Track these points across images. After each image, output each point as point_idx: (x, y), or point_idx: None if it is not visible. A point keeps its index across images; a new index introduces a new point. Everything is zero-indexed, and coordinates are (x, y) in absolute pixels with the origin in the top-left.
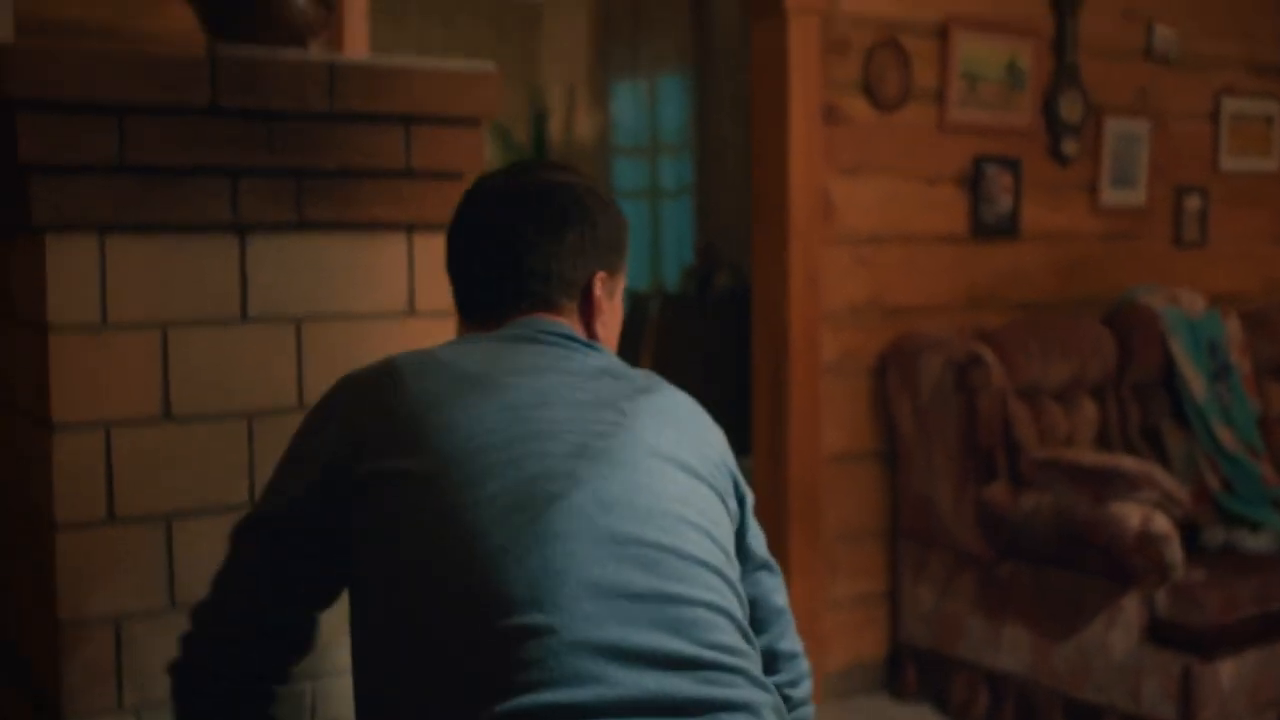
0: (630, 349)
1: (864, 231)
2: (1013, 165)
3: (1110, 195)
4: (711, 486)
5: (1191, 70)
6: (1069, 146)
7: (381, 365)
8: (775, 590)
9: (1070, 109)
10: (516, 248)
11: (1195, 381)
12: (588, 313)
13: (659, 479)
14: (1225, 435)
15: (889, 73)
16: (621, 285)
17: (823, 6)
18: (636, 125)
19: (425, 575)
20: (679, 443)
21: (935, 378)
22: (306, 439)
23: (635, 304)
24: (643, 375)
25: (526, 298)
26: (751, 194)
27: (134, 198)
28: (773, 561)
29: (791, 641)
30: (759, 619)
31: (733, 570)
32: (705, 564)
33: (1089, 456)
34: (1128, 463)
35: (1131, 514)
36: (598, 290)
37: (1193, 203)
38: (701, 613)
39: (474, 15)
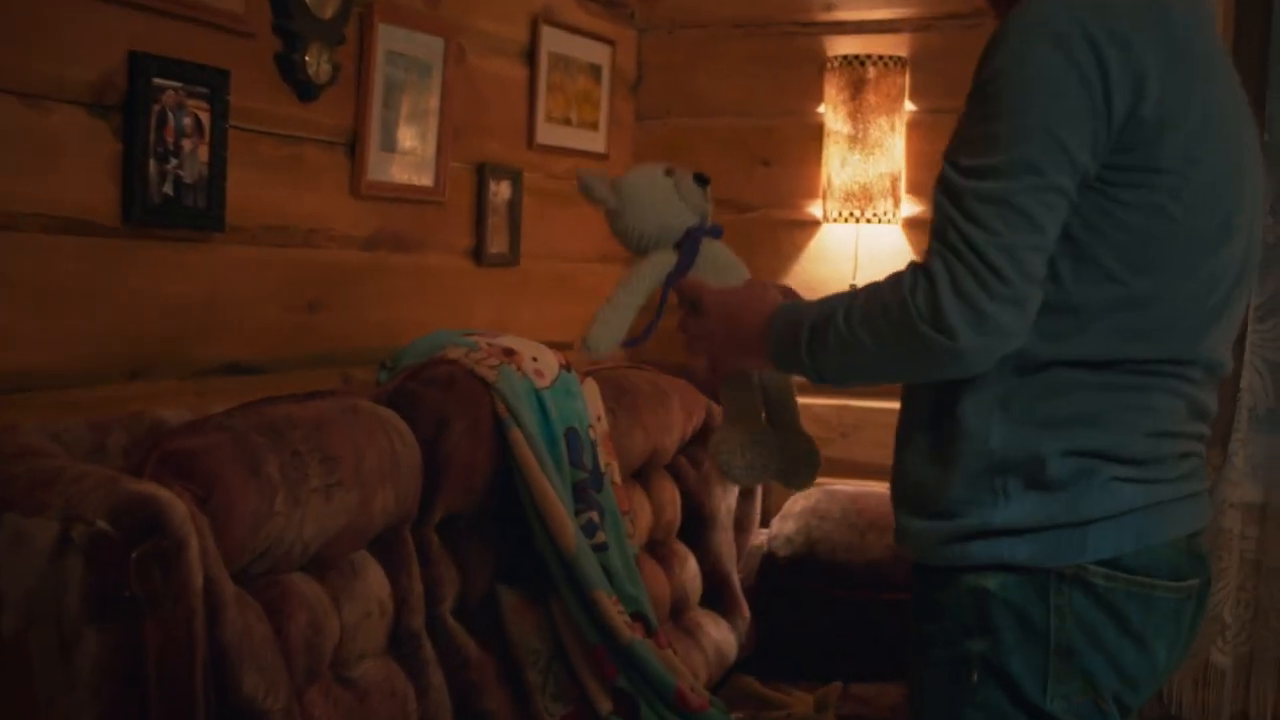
0: None
1: None
2: (210, 84)
3: (381, 165)
4: None
5: None
6: (317, 66)
7: None
8: None
9: None
10: None
11: (555, 510)
12: None
13: None
14: (612, 607)
15: None
16: None
17: None
18: None
19: None
20: None
21: (40, 569)
22: None
23: None
24: None
25: None
26: None
27: None
28: None
29: None
30: None
31: None
32: None
33: None
34: None
35: None
36: None
37: (502, 191)
38: None
39: None
